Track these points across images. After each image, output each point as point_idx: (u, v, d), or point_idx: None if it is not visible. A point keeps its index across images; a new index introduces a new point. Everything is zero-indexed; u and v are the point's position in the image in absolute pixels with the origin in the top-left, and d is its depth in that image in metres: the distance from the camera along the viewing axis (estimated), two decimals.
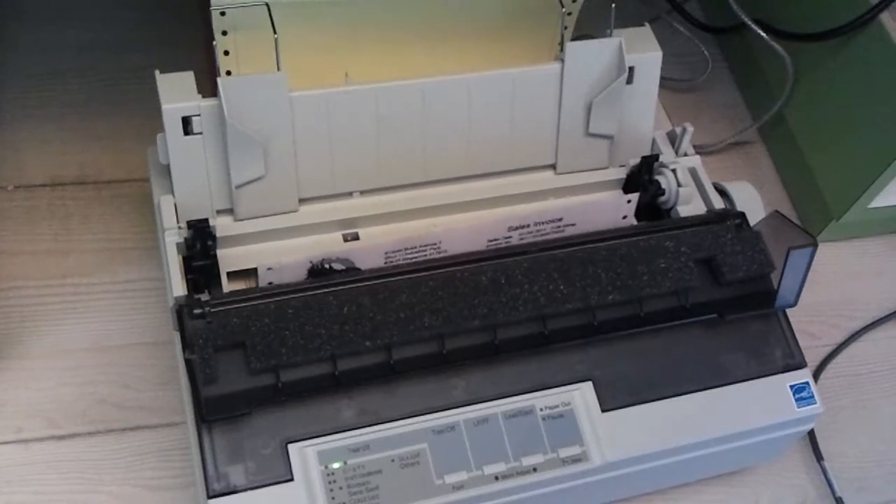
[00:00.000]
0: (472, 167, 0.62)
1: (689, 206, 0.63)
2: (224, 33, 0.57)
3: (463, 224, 0.59)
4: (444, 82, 0.59)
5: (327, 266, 0.56)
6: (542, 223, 0.60)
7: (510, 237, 0.59)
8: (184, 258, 0.57)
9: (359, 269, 0.56)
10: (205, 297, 0.54)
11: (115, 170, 0.72)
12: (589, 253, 0.57)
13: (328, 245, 0.58)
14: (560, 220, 0.60)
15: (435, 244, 0.58)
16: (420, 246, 0.58)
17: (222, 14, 0.57)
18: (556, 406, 0.54)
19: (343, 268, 0.56)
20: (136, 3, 0.81)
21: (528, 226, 0.59)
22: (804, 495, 0.66)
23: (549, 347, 0.55)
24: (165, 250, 0.56)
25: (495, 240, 0.59)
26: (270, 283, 0.56)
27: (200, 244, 0.57)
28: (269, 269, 0.55)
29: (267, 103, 0.56)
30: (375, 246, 0.57)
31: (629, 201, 0.62)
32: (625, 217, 0.62)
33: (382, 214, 0.60)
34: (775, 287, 0.58)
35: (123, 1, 0.81)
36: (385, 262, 0.57)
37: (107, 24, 0.79)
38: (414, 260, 0.58)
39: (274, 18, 0.56)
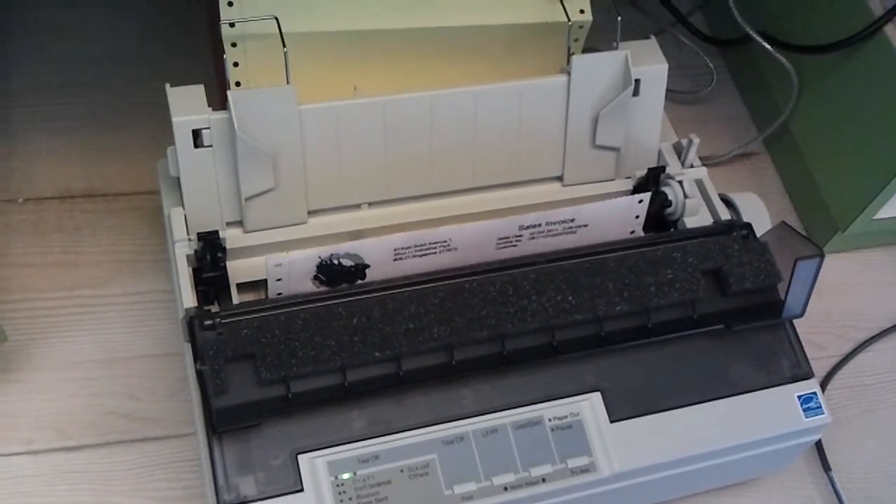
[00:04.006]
0: (480, 179, 0.63)
1: (696, 218, 0.63)
2: (234, 46, 0.58)
3: (478, 226, 0.59)
4: (451, 94, 0.59)
5: (336, 262, 0.56)
6: (554, 223, 0.60)
7: (521, 236, 0.59)
8: (194, 270, 0.57)
9: (367, 265, 0.56)
10: (215, 308, 0.54)
11: (124, 182, 0.73)
12: (596, 264, 0.57)
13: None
14: (572, 220, 0.60)
15: (445, 241, 0.58)
16: (430, 243, 0.57)
17: (232, 27, 0.57)
18: (565, 416, 0.54)
19: (352, 263, 0.56)
20: (145, 16, 0.81)
21: (540, 225, 0.59)
22: None
23: (557, 358, 0.55)
24: (175, 262, 0.57)
25: (506, 238, 0.59)
26: (279, 280, 0.55)
27: (210, 256, 0.57)
28: (278, 265, 0.55)
29: (276, 116, 0.56)
30: (384, 242, 0.57)
31: (640, 201, 0.61)
32: (637, 217, 0.62)
33: (390, 226, 0.60)
34: (782, 298, 0.58)
35: (133, 14, 0.81)
36: (394, 259, 0.57)
37: (116, 38, 0.80)
38: (423, 256, 0.57)
39: (283, 32, 0.56)
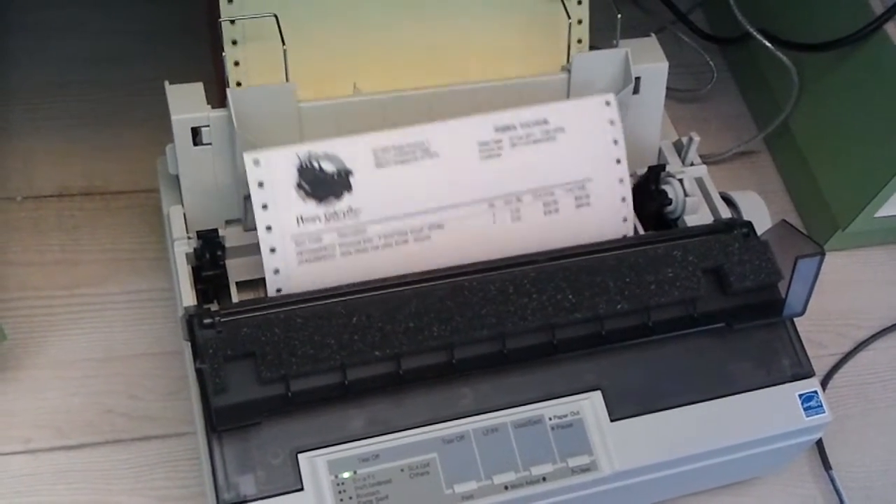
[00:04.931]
0: None
1: (696, 216, 0.63)
2: (234, 44, 0.58)
3: (451, 123, 0.58)
4: (451, 92, 0.59)
5: (315, 164, 0.55)
6: (528, 124, 0.59)
7: (500, 141, 0.58)
8: (193, 268, 0.57)
9: (350, 171, 0.55)
10: (214, 307, 0.54)
11: (123, 180, 0.72)
12: (596, 262, 0.57)
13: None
14: (545, 121, 0.59)
15: (422, 143, 0.57)
16: (408, 145, 0.57)
17: (232, 24, 0.57)
18: (565, 415, 0.54)
19: (334, 169, 0.55)
20: (144, 15, 0.81)
21: (516, 127, 0.58)
22: None
23: (557, 357, 0.55)
24: (175, 260, 0.57)
25: (485, 143, 0.58)
26: (261, 187, 0.54)
27: (210, 254, 0.57)
28: (257, 162, 0.54)
29: (276, 114, 0.56)
30: (361, 140, 0.56)
31: (608, 103, 0.60)
32: (612, 122, 0.60)
33: None
34: (783, 296, 0.58)
35: (132, 13, 0.81)
36: (375, 163, 0.56)
37: (115, 36, 0.80)
38: (405, 163, 0.57)
39: (283, 30, 0.56)
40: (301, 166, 0.55)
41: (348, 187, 0.56)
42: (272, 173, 0.54)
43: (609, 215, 0.60)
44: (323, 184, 0.55)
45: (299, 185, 0.55)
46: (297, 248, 0.55)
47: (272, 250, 0.54)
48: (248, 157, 0.54)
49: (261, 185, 0.54)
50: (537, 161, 0.59)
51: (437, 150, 0.57)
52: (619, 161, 0.60)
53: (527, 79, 0.61)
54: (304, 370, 0.51)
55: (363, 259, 0.56)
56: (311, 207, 0.55)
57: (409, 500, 0.51)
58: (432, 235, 0.57)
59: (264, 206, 0.54)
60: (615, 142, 0.61)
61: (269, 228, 0.54)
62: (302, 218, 0.55)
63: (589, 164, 0.60)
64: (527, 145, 0.59)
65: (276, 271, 0.54)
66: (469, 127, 0.58)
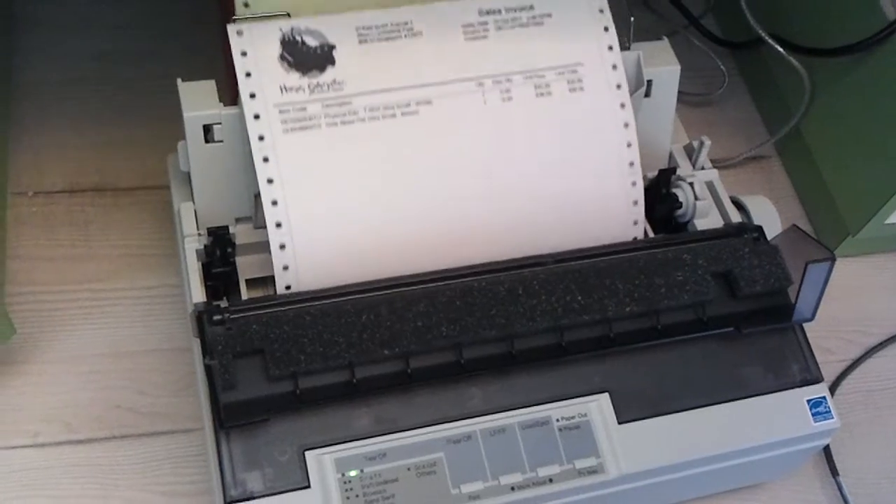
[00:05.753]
0: None
1: (707, 220, 0.63)
2: (243, 49, 0.57)
3: (434, 6, 0.59)
4: None
5: (298, 38, 0.55)
6: (515, 10, 0.59)
7: (486, 23, 0.58)
8: (203, 265, 0.57)
9: (333, 46, 0.56)
10: (224, 304, 0.54)
11: (133, 177, 0.73)
12: (606, 265, 0.57)
13: None
14: (531, 6, 0.59)
15: (406, 23, 0.57)
16: (391, 23, 0.57)
17: (240, 31, 0.57)
18: (573, 417, 0.54)
19: (317, 43, 0.55)
20: (155, 11, 0.81)
21: (501, 11, 0.58)
22: None
23: (565, 358, 0.55)
24: (185, 257, 0.57)
25: (470, 25, 0.58)
26: (245, 55, 0.55)
27: (220, 251, 0.57)
28: (240, 32, 0.55)
29: None
30: (343, 17, 0.56)
31: (601, 10, 0.60)
32: (601, 10, 0.60)
33: None
34: (793, 301, 0.58)
35: (143, 9, 0.81)
36: (359, 41, 0.56)
37: (127, 32, 0.80)
38: (389, 41, 0.57)
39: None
40: (284, 39, 0.55)
41: (332, 61, 0.56)
42: (255, 43, 0.55)
43: (603, 101, 0.60)
44: (306, 57, 0.56)
45: (282, 57, 0.55)
46: (281, 115, 0.55)
47: (256, 117, 0.54)
48: (231, 28, 0.54)
49: (244, 53, 0.55)
50: (525, 44, 0.59)
51: (420, 30, 0.57)
52: (611, 48, 0.60)
53: None
54: (312, 368, 0.51)
55: (350, 131, 0.56)
56: (294, 78, 0.55)
57: (415, 499, 0.51)
58: (420, 111, 0.57)
59: (247, 74, 0.55)
60: (606, 29, 0.60)
61: (252, 96, 0.54)
62: (285, 87, 0.55)
63: (579, 49, 0.59)
64: (513, 29, 0.59)
65: (266, 159, 0.54)
66: (453, 9, 0.58)
